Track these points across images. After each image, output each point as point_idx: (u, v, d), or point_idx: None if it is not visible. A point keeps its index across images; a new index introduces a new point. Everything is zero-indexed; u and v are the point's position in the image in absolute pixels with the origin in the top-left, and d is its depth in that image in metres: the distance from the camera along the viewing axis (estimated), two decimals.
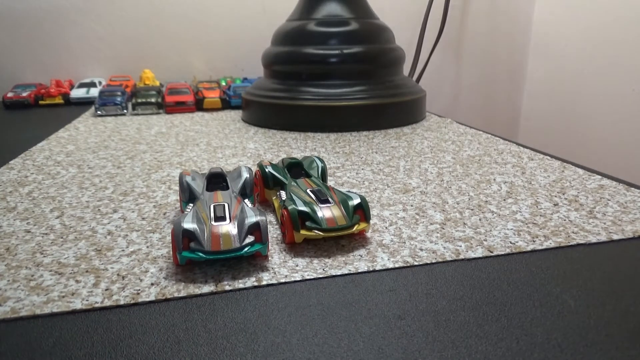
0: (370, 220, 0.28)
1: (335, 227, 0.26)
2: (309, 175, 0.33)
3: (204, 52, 0.97)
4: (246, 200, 0.28)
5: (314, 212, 0.26)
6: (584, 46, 0.94)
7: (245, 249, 0.23)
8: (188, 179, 0.30)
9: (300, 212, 0.26)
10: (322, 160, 0.34)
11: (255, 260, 0.25)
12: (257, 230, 0.24)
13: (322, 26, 0.60)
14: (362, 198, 0.27)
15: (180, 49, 0.95)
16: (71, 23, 0.90)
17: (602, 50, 0.90)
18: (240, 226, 0.24)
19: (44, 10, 0.89)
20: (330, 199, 0.27)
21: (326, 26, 0.60)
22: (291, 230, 0.26)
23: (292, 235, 0.26)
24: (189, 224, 0.24)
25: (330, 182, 0.38)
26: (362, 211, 0.27)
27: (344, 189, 0.32)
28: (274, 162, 0.34)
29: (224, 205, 0.26)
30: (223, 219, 0.24)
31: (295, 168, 0.34)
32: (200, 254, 0.23)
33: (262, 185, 0.32)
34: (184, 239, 0.23)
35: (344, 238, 0.27)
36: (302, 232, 0.25)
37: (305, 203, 0.27)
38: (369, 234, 0.28)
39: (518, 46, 1.10)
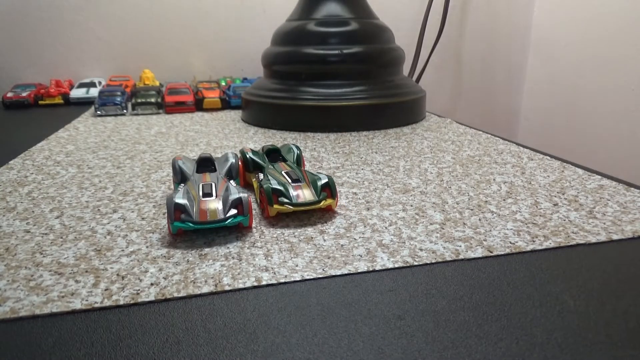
0: (337, 196, 0.31)
1: (304, 202, 0.30)
2: (285, 160, 0.37)
3: (204, 52, 0.97)
4: (231, 181, 0.31)
5: (287, 190, 0.30)
6: (584, 46, 0.94)
7: (229, 220, 0.27)
8: (180, 162, 0.34)
9: (274, 190, 0.30)
10: (298, 148, 0.38)
11: (254, 260, 0.25)
12: (239, 204, 0.28)
13: (322, 26, 0.60)
14: (330, 178, 0.32)
15: (180, 49, 0.95)
16: (71, 23, 0.90)
17: (602, 50, 0.90)
18: (224, 201, 0.28)
19: (43, 10, 0.89)
20: (301, 179, 0.32)
21: (326, 26, 0.60)
22: (266, 205, 0.30)
23: (268, 209, 0.30)
24: (180, 199, 0.28)
25: None
26: (329, 189, 0.31)
27: (323, 172, 0.33)
28: (255, 149, 0.39)
29: (211, 184, 0.29)
30: (210, 195, 0.28)
31: (274, 154, 0.38)
32: (190, 224, 0.27)
33: (243, 169, 0.36)
34: (175, 212, 0.27)
35: (344, 237, 0.27)
36: (276, 206, 0.29)
37: (280, 182, 0.31)
38: (368, 234, 0.28)
39: (517, 46, 1.10)
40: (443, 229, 0.29)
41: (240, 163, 0.35)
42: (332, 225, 0.29)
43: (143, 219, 0.31)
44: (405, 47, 0.98)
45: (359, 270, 0.24)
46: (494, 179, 0.38)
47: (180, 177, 0.33)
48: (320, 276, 0.23)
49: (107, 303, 0.21)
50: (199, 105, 0.74)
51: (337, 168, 0.42)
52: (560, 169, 0.40)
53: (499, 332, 0.19)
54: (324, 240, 0.27)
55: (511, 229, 0.28)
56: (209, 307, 0.21)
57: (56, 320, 0.20)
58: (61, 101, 0.82)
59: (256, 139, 0.54)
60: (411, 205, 0.32)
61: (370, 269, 0.24)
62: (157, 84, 0.87)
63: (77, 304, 0.21)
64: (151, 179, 0.40)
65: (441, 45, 1.04)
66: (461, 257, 0.25)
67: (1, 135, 0.59)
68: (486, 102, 1.13)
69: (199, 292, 0.22)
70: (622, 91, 0.87)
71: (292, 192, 0.30)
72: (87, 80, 0.87)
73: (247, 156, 0.36)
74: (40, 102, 0.81)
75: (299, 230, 0.29)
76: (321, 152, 0.47)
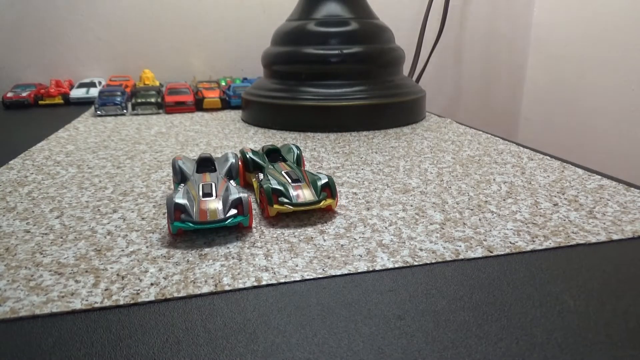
0: (337, 196, 0.31)
1: (304, 202, 0.30)
2: (285, 160, 0.37)
3: (204, 52, 0.97)
4: (231, 181, 0.31)
5: (287, 190, 0.30)
6: (584, 46, 0.94)
7: (229, 220, 0.27)
8: (180, 162, 0.34)
9: (274, 190, 0.30)
10: (298, 148, 0.38)
11: (254, 260, 0.25)
12: (239, 204, 0.28)
13: (322, 26, 0.60)
14: (330, 178, 0.31)
15: (180, 49, 0.95)
16: (71, 23, 0.90)
17: (602, 50, 0.90)
18: (224, 201, 0.28)
19: (43, 10, 0.89)
20: (301, 179, 0.32)
21: (326, 26, 0.60)
22: (266, 205, 0.30)
23: (268, 209, 0.30)
24: (180, 199, 0.28)
25: None
26: (329, 189, 0.31)
27: (323, 172, 0.33)
28: (255, 149, 0.39)
29: (212, 184, 0.29)
30: (210, 195, 0.28)
31: (274, 154, 0.38)
32: (190, 224, 0.27)
33: (243, 169, 0.36)
34: (175, 212, 0.27)
35: (344, 237, 0.27)
36: (276, 206, 0.29)
37: (280, 182, 0.31)
38: (368, 234, 0.28)
39: (518, 46, 1.10)
40: (443, 229, 0.29)
41: (240, 163, 0.35)
42: (332, 225, 0.29)
43: (143, 219, 0.31)
44: (405, 47, 0.98)
45: (359, 270, 0.24)
46: (494, 179, 0.38)
47: (180, 177, 0.33)
48: (320, 276, 0.23)
49: (107, 303, 0.21)
50: (199, 105, 0.74)
51: (337, 168, 0.42)
52: (560, 169, 0.40)
53: (499, 332, 0.19)
54: (324, 240, 0.27)
55: (511, 229, 0.28)
56: (209, 307, 0.21)
57: (56, 320, 0.20)
58: (61, 101, 0.82)
59: (256, 139, 0.54)
60: (411, 205, 0.32)
61: (370, 269, 0.24)
62: (157, 84, 0.87)
63: (77, 304, 0.21)
64: (151, 179, 0.40)
65: (441, 45, 1.04)
66: (461, 257, 0.25)
67: (1, 135, 0.59)
68: (486, 102, 1.13)
69: (199, 292, 0.22)
70: (623, 91, 0.87)
71: (292, 192, 0.30)
72: (87, 80, 0.87)
73: (247, 156, 0.36)
74: (40, 102, 0.81)
75: (299, 230, 0.29)
76: (321, 152, 0.47)
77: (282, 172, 0.33)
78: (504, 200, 0.33)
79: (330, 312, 0.20)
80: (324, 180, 0.31)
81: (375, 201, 0.33)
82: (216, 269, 0.24)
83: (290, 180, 0.31)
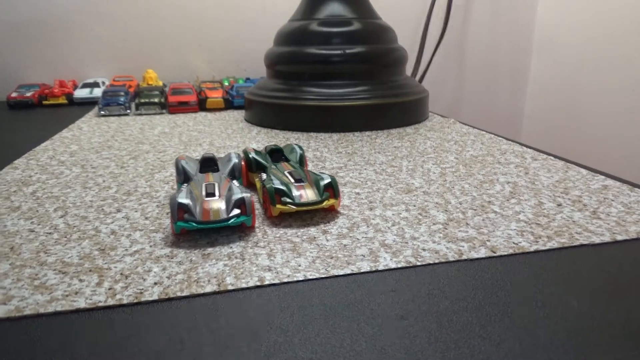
0: (340, 196, 0.31)
1: (306, 202, 0.30)
2: (288, 160, 0.37)
3: (207, 52, 0.97)
4: (234, 181, 0.31)
5: (290, 190, 0.30)
6: (587, 46, 0.94)
7: (232, 220, 0.27)
8: (183, 162, 0.34)
9: (277, 190, 0.30)
10: (301, 148, 0.38)
11: (257, 260, 0.25)
12: (242, 204, 0.28)
13: (324, 26, 0.60)
14: (332, 178, 0.31)
15: (183, 49, 0.96)
16: (74, 23, 0.91)
17: (605, 50, 0.90)
18: (227, 201, 0.28)
19: (47, 11, 0.89)
20: (303, 179, 0.32)
21: (328, 26, 0.60)
22: (269, 205, 0.30)
23: (271, 209, 0.30)
24: (183, 199, 0.28)
25: None
26: (331, 189, 0.31)
27: (326, 172, 0.34)
28: (258, 149, 0.39)
29: (215, 184, 0.29)
30: (213, 195, 0.28)
31: (277, 154, 0.38)
32: (193, 224, 0.27)
33: (246, 169, 0.36)
34: (179, 211, 0.27)
35: (347, 237, 0.27)
36: (278, 206, 0.29)
37: (282, 182, 0.31)
38: (371, 234, 0.28)
39: (521, 46, 1.10)
40: (446, 229, 0.29)
41: (243, 163, 0.35)
42: (334, 225, 0.29)
43: (146, 218, 0.31)
44: (408, 47, 0.98)
45: (361, 270, 0.24)
46: (497, 179, 0.38)
47: (183, 177, 0.33)
48: (323, 276, 0.23)
49: (110, 302, 0.21)
50: (202, 105, 0.74)
51: (339, 168, 0.42)
52: (563, 169, 0.40)
53: (502, 332, 0.19)
54: (327, 240, 0.27)
55: (514, 229, 0.28)
56: (212, 307, 0.21)
57: (60, 319, 0.20)
58: (65, 101, 0.82)
59: (259, 139, 0.54)
60: (414, 205, 0.32)
61: (373, 269, 0.24)
62: (161, 84, 0.87)
63: (81, 303, 0.21)
64: (155, 178, 0.40)
65: (444, 45, 1.03)
66: (464, 257, 0.25)
67: (6, 135, 0.59)
68: (489, 102, 1.13)
69: (202, 292, 0.22)
70: (626, 91, 0.87)
71: (295, 192, 0.30)
72: (90, 81, 0.87)
73: (250, 156, 0.36)
74: (44, 102, 0.81)
75: (301, 230, 0.29)
76: (324, 152, 0.47)
77: (285, 172, 0.33)
78: (507, 200, 0.33)
79: (332, 312, 0.20)
80: (327, 180, 0.31)
81: (378, 201, 0.33)
82: (219, 269, 0.24)
83: (293, 180, 0.31)
